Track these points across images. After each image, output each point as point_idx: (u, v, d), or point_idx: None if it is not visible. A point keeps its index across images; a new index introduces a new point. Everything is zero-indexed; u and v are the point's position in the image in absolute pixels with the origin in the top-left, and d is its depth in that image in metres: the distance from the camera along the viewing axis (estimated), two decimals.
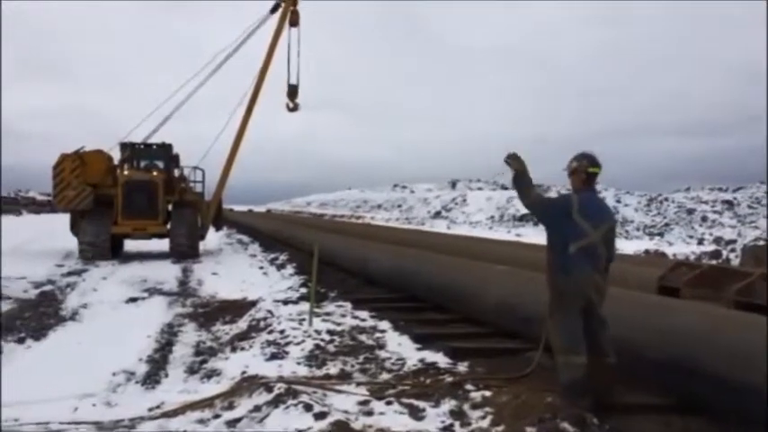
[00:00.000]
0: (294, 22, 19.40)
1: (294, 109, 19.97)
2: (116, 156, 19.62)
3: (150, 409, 5.25)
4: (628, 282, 7.83)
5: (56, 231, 20.22)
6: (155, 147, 20.15)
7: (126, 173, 19.31)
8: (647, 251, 27.63)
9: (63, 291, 11.97)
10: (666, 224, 69.45)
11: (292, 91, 19.76)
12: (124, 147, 19.72)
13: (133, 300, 11.24)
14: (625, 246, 29.47)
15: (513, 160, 4.89)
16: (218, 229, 22.87)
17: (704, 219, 71.10)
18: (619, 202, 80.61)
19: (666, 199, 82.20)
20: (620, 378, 4.88)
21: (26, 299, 10.86)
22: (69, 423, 4.90)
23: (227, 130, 19.95)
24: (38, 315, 9.47)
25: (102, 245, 17.78)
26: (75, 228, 18.97)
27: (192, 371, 6.66)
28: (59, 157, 18.52)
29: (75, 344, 7.88)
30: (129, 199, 18.67)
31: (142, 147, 20.05)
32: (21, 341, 7.82)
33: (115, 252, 18.75)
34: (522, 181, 4.91)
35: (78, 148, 18.81)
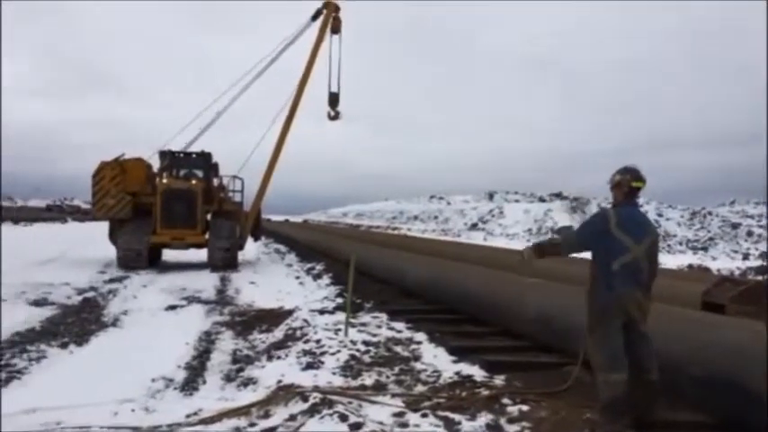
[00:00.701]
0: (336, 29, 19.20)
1: (335, 117, 19.65)
2: (155, 164, 19.59)
3: (188, 416, 5.30)
4: (671, 297, 7.64)
5: (98, 239, 20.56)
6: (194, 155, 19.95)
7: (165, 181, 19.11)
8: (690, 266, 26.98)
9: (105, 297, 12.21)
10: (710, 238, 67.83)
11: (333, 99, 19.47)
12: (163, 155, 19.54)
13: (172, 307, 11.40)
14: (668, 260, 28.83)
15: (527, 256, 5.13)
16: (256, 239, 22.59)
17: (750, 233, 69.22)
18: (661, 215, 79.09)
19: (710, 213, 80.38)
20: (663, 395, 4.75)
21: (69, 305, 11.12)
22: (109, 427, 4.98)
23: (266, 141, 19.91)
24: (80, 321, 9.68)
25: (140, 254, 17.59)
26: (113, 236, 18.86)
27: (228, 378, 6.71)
28: (99, 165, 18.43)
29: (116, 349, 8.02)
30: (167, 208, 18.45)
31: (181, 155, 19.84)
32: (64, 346, 7.99)
33: (153, 261, 18.59)
34: (551, 250, 5.10)
35: (118, 156, 18.68)
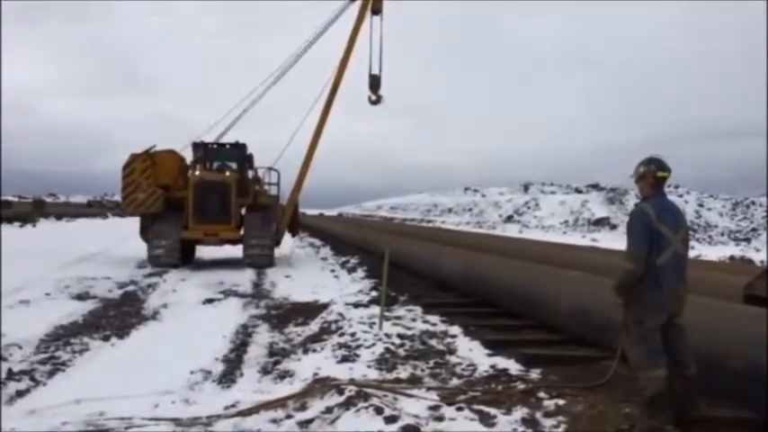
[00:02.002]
0: (377, 10, 18.06)
1: (377, 101, 18.49)
2: (189, 156, 18.60)
3: (226, 408, 5.39)
4: (712, 290, 7.48)
5: (137, 234, 20.72)
6: (228, 146, 18.85)
7: (197, 173, 17.86)
8: (732, 257, 26.33)
9: (144, 291, 12.45)
10: (753, 229, 66.07)
11: (375, 82, 18.29)
12: (196, 146, 18.44)
13: (210, 301, 11.58)
14: (708, 252, 28.21)
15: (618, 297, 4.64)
16: (294, 234, 21.46)
17: None
18: (702, 206, 77.33)
19: (753, 203, 78.28)
20: (702, 390, 4.66)
21: (111, 298, 11.38)
22: (151, 419, 5.09)
23: (301, 133, 18.92)
24: (121, 314, 9.89)
25: (172, 251, 16.62)
26: (145, 232, 17.97)
27: (265, 371, 6.79)
28: (129, 158, 17.26)
29: (156, 342, 8.19)
30: (200, 201, 17.31)
31: (215, 146, 18.76)
32: (106, 339, 8.19)
33: (186, 258, 17.70)
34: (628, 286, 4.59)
35: (149, 148, 17.53)
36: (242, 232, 17.75)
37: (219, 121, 18.79)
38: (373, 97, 18.51)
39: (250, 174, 18.85)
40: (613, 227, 64.27)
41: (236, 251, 18.29)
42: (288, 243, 23.74)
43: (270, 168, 18.99)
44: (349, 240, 26.14)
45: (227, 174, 18.11)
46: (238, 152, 18.80)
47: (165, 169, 17.54)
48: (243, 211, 18.30)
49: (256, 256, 17.02)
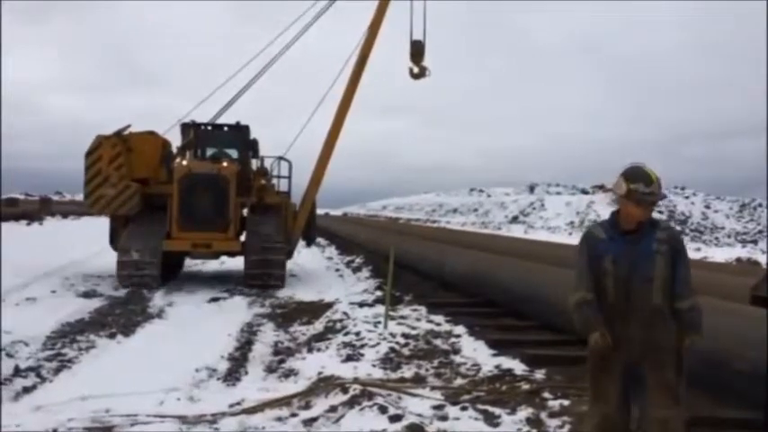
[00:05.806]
0: None
1: (420, 74, 14.67)
2: (176, 141, 14.60)
3: (231, 406, 5.40)
4: (718, 291, 7.45)
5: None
6: (226, 129, 14.87)
7: (184, 163, 13.75)
8: (738, 259, 26.21)
9: (150, 289, 12.47)
10: (760, 231, 65.82)
11: (417, 50, 14.49)
12: (186, 128, 14.44)
13: (215, 299, 11.60)
14: (715, 253, 28.08)
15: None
16: (309, 243, 16.62)
17: None
18: (708, 207, 77.08)
19: (760, 204, 78.00)
20: (710, 390, 4.65)
21: (116, 296, 11.41)
22: (156, 416, 5.11)
23: (314, 125, 15.29)
24: (127, 312, 9.91)
25: (149, 266, 12.55)
26: (116, 240, 13.84)
27: (270, 370, 6.81)
28: (95, 141, 13.20)
29: (161, 340, 8.21)
30: (188, 201, 13.23)
31: (209, 128, 14.81)
32: (112, 336, 8.21)
33: (169, 274, 13.84)
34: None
35: (121, 128, 13.52)
36: (243, 240, 13.82)
37: (210, 96, 15.01)
38: (415, 69, 14.66)
39: (254, 165, 14.71)
40: None
41: (236, 262, 14.60)
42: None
43: (280, 158, 14.82)
44: (354, 240, 26.17)
45: (225, 164, 13.87)
46: (239, 136, 14.78)
47: (142, 157, 13.62)
48: (244, 213, 14.27)
49: (262, 275, 13.06)
